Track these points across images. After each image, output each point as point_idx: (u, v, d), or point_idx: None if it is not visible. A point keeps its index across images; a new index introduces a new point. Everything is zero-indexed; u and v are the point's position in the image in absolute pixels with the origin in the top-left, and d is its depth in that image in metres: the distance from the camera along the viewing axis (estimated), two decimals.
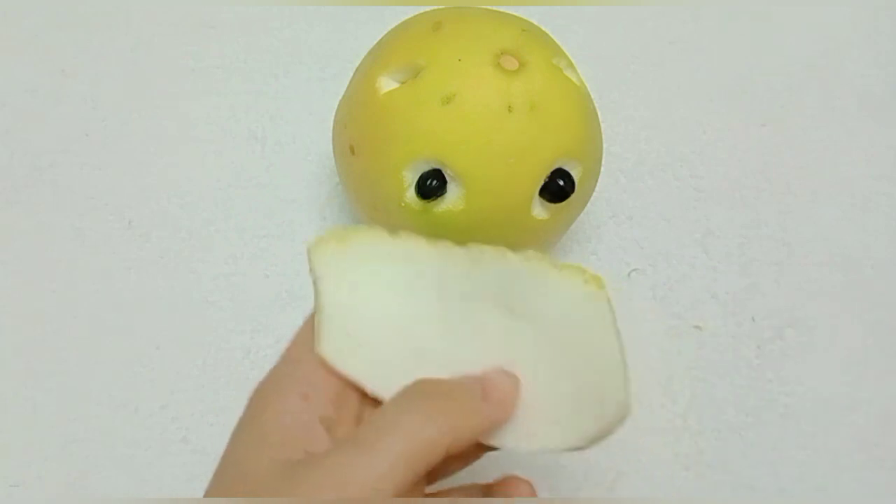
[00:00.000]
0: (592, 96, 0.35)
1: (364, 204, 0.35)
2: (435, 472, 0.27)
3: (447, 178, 0.32)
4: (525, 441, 0.25)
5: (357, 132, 0.34)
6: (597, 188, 0.37)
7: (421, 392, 0.24)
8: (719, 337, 0.39)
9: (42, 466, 0.36)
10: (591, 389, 0.24)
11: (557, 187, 0.33)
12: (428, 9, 0.35)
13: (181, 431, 0.36)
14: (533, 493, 0.26)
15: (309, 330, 0.26)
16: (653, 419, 0.37)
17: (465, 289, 0.26)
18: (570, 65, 0.35)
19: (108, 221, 0.41)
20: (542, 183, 0.33)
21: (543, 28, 0.35)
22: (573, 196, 0.33)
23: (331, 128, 0.37)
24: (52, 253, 0.40)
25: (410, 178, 0.32)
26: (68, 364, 0.38)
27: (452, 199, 0.32)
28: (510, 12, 0.35)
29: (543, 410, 0.25)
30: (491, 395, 0.25)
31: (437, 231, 0.33)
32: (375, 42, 0.36)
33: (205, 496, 0.24)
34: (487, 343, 0.26)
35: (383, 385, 0.25)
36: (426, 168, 0.32)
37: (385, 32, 0.36)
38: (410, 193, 0.32)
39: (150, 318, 0.39)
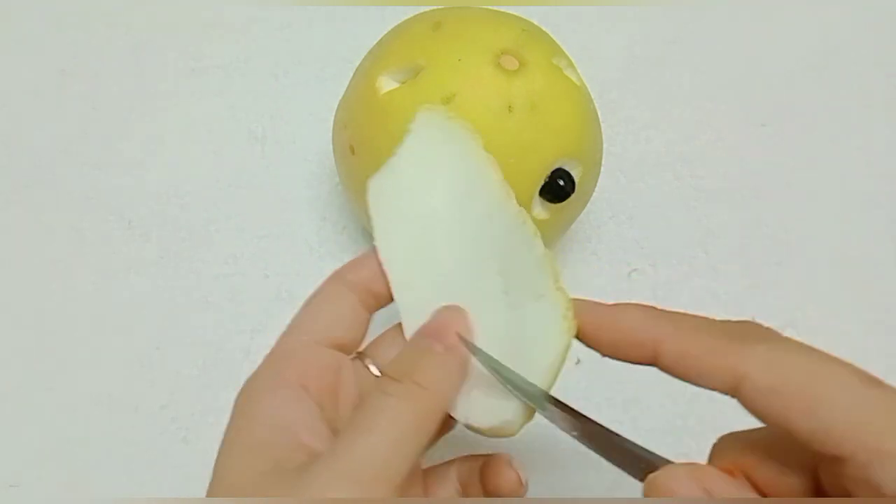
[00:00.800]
0: (592, 96, 0.35)
1: (364, 204, 0.35)
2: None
3: None
4: (477, 416, 0.25)
5: (357, 132, 0.34)
6: (597, 188, 0.37)
7: (389, 377, 0.24)
8: None
9: (42, 466, 0.36)
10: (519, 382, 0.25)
11: (557, 187, 0.33)
12: (428, 9, 0.35)
13: (181, 431, 0.36)
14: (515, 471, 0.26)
15: (300, 324, 0.26)
16: (653, 419, 0.37)
17: (488, 231, 0.27)
18: (570, 65, 0.35)
19: (108, 221, 0.41)
20: (542, 183, 0.33)
21: (543, 28, 0.35)
22: (573, 196, 0.33)
23: (331, 128, 0.37)
24: (52, 253, 0.40)
25: None
26: (68, 364, 0.38)
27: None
28: (510, 12, 0.35)
29: (489, 387, 0.25)
30: (445, 339, 0.25)
31: None
32: (375, 42, 0.36)
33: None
34: (480, 292, 0.26)
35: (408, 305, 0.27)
36: None
37: (385, 32, 0.36)
38: None
39: (150, 318, 0.39)
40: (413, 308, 0.26)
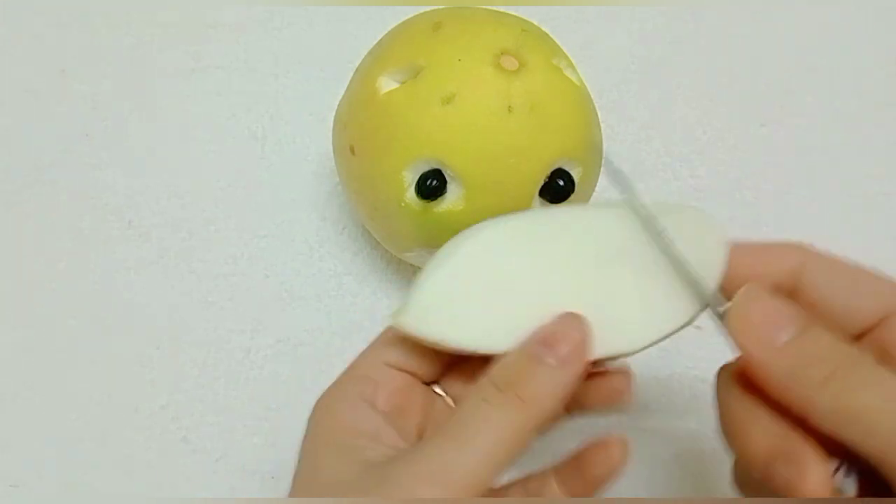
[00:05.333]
0: (592, 96, 0.35)
1: (364, 204, 0.35)
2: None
3: (447, 178, 0.32)
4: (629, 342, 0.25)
5: (357, 132, 0.34)
6: (597, 188, 0.37)
7: (492, 384, 0.23)
8: (719, 337, 0.39)
9: (42, 466, 0.36)
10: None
11: (557, 187, 0.33)
12: (428, 9, 0.35)
13: (181, 431, 0.36)
14: (626, 451, 0.25)
15: (375, 350, 0.26)
16: (653, 419, 0.37)
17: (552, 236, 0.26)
18: (570, 65, 0.35)
19: (108, 221, 0.41)
20: (542, 183, 0.33)
21: (543, 28, 0.35)
22: (573, 196, 0.33)
23: (331, 128, 0.37)
24: (52, 253, 0.40)
25: (410, 179, 0.32)
26: (68, 364, 0.38)
27: (452, 199, 0.32)
28: (510, 12, 0.35)
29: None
30: (558, 350, 0.23)
31: (437, 231, 0.33)
32: (375, 42, 0.36)
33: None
34: (575, 284, 0.25)
35: (486, 342, 0.25)
36: (426, 168, 0.32)
37: (385, 32, 0.36)
38: (410, 193, 0.32)
39: (150, 318, 0.39)
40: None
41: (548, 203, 0.33)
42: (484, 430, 0.22)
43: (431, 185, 0.32)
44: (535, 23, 0.35)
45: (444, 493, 0.21)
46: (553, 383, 0.23)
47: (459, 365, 0.27)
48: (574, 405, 0.27)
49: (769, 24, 0.49)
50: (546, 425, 0.25)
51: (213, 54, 0.46)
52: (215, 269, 0.40)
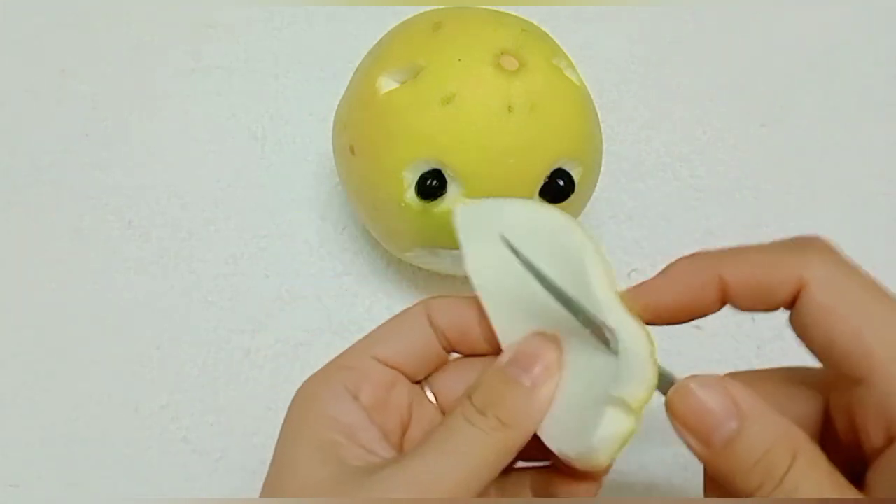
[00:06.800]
0: (592, 96, 0.35)
1: (364, 204, 0.35)
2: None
3: (447, 179, 0.32)
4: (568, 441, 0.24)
5: (357, 132, 0.34)
6: (597, 188, 0.37)
7: (473, 406, 0.23)
8: (719, 337, 0.39)
9: (42, 466, 0.36)
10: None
11: (557, 187, 0.33)
12: (428, 9, 0.35)
13: (181, 431, 0.36)
14: (596, 490, 0.26)
15: (371, 344, 0.26)
16: (653, 419, 0.37)
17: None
18: (570, 65, 0.35)
19: (108, 221, 0.41)
20: (542, 183, 0.33)
21: (543, 28, 0.35)
22: (573, 196, 0.33)
23: (331, 128, 0.37)
24: (52, 253, 0.40)
25: (410, 179, 0.32)
26: (68, 364, 0.38)
27: (452, 200, 0.32)
28: (510, 12, 0.35)
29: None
30: (532, 371, 0.24)
31: (437, 231, 0.33)
32: (375, 42, 0.36)
33: (262, 493, 0.24)
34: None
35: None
36: (426, 168, 0.32)
37: (385, 32, 0.36)
38: (410, 193, 0.32)
39: (150, 318, 0.39)
40: (509, 333, 0.25)
41: (548, 203, 0.33)
42: (467, 450, 0.22)
43: (431, 185, 0.32)
44: (535, 23, 0.35)
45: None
46: (530, 404, 0.24)
47: (447, 364, 0.27)
48: (541, 491, 0.26)
49: (769, 24, 0.49)
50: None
51: (213, 54, 0.46)
52: (215, 269, 0.40)
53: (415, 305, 0.26)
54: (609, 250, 0.41)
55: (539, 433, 0.24)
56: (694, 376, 0.22)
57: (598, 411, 0.23)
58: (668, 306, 0.24)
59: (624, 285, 0.40)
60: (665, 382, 0.23)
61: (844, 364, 0.22)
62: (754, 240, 0.41)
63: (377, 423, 0.25)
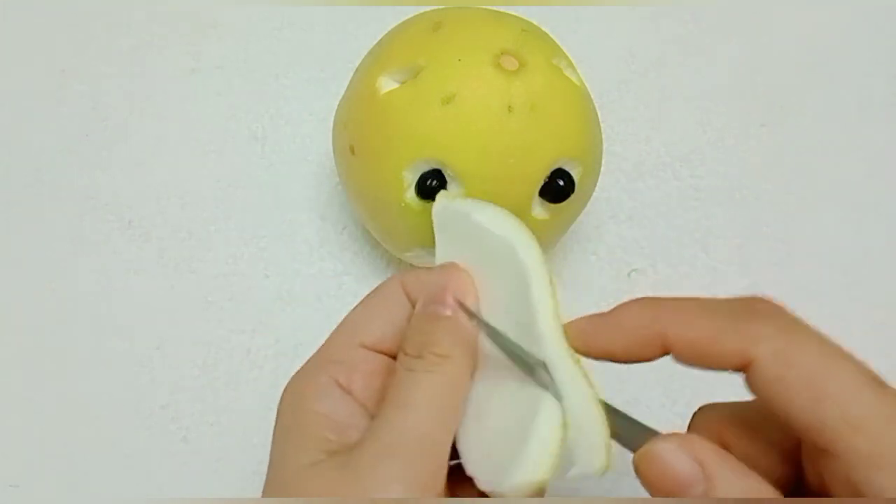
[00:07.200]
0: (592, 96, 0.35)
1: (364, 204, 0.35)
2: None
3: (447, 179, 0.32)
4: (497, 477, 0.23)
5: (357, 132, 0.34)
6: (597, 188, 0.37)
7: (409, 354, 0.24)
8: None
9: (42, 466, 0.36)
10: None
11: (557, 187, 0.33)
12: (428, 9, 0.35)
13: (181, 431, 0.36)
14: None
15: (353, 325, 0.26)
16: (653, 419, 0.37)
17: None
18: (570, 65, 0.35)
19: (108, 221, 0.41)
20: (542, 183, 0.33)
21: (543, 28, 0.35)
22: (573, 196, 0.33)
23: (331, 128, 0.37)
24: (52, 253, 0.40)
25: (410, 179, 0.32)
26: (68, 364, 0.38)
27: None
28: (510, 12, 0.35)
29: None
30: (448, 301, 0.25)
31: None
32: (375, 42, 0.36)
33: (262, 496, 0.24)
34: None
35: None
36: (426, 168, 0.32)
37: (385, 32, 0.36)
38: (410, 193, 0.32)
39: (150, 318, 0.39)
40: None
41: (548, 203, 0.33)
42: (419, 395, 0.23)
43: (431, 185, 0.32)
44: (535, 23, 0.35)
45: (404, 462, 0.22)
46: (458, 331, 0.24)
47: None
48: None
49: (769, 24, 0.49)
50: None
51: (213, 54, 0.46)
52: (215, 269, 0.40)
53: (388, 282, 0.27)
54: (609, 250, 0.41)
55: (465, 465, 0.24)
56: (661, 437, 0.22)
57: (522, 445, 0.23)
58: (607, 350, 0.24)
59: (624, 285, 0.40)
60: (633, 432, 0.23)
61: (805, 435, 0.21)
62: (754, 240, 0.42)
63: (373, 410, 0.24)
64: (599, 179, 0.37)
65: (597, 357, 0.24)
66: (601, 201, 0.42)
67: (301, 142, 0.44)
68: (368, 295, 0.27)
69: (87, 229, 0.41)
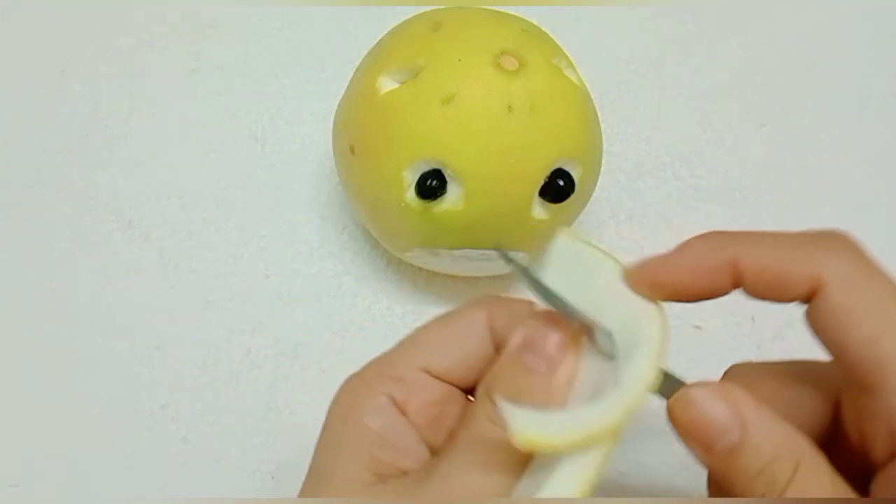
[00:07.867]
0: (592, 96, 0.35)
1: (364, 204, 0.35)
2: None
3: (447, 178, 0.32)
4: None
5: (357, 132, 0.34)
6: (597, 188, 0.37)
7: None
8: (719, 337, 0.39)
9: (42, 466, 0.36)
10: None
11: (557, 187, 0.33)
12: (428, 9, 0.35)
13: (181, 431, 0.36)
14: None
15: (423, 344, 0.24)
16: (653, 419, 0.37)
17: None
18: (570, 65, 0.35)
19: (108, 221, 0.41)
20: (541, 183, 0.33)
21: (543, 28, 0.35)
22: (573, 196, 0.33)
23: (331, 128, 0.37)
24: (52, 253, 0.40)
25: (410, 179, 0.32)
26: (68, 364, 0.38)
27: (452, 199, 0.32)
28: (510, 12, 0.35)
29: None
30: (544, 354, 0.22)
31: (437, 231, 0.33)
32: (375, 42, 0.36)
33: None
34: None
35: None
36: (426, 168, 0.32)
37: (385, 32, 0.36)
38: (410, 193, 0.32)
39: (150, 318, 0.39)
40: None
41: (548, 203, 0.33)
42: (498, 455, 0.21)
43: (431, 185, 0.32)
44: (535, 23, 0.35)
45: None
46: (550, 394, 0.22)
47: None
48: None
49: (769, 24, 0.49)
50: None
51: (213, 54, 0.46)
52: (215, 269, 0.40)
53: (472, 309, 0.24)
54: (609, 250, 0.41)
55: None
56: (696, 384, 0.22)
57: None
58: (677, 285, 0.23)
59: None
60: (668, 384, 0.23)
61: (856, 370, 0.21)
62: None
63: (428, 440, 0.23)
64: (599, 179, 0.37)
65: (665, 297, 0.23)
66: (601, 201, 0.42)
67: (301, 142, 0.44)
68: (448, 315, 0.25)
69: (87, 229, 0.41)
